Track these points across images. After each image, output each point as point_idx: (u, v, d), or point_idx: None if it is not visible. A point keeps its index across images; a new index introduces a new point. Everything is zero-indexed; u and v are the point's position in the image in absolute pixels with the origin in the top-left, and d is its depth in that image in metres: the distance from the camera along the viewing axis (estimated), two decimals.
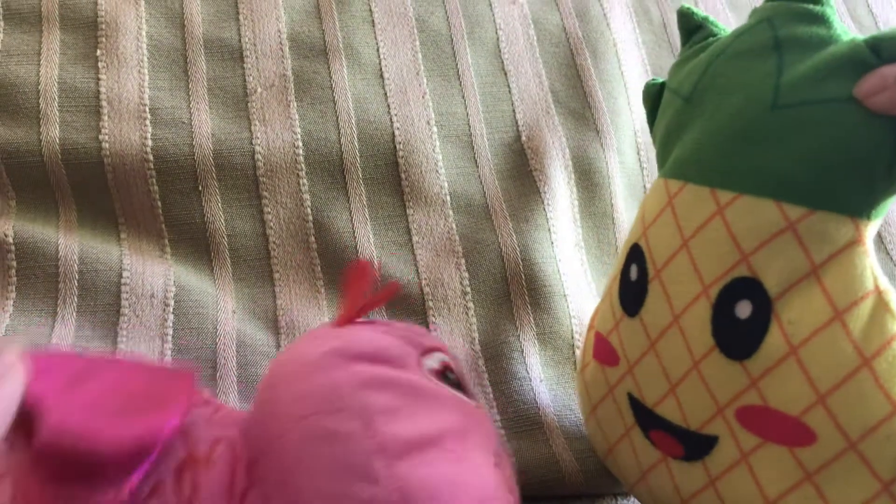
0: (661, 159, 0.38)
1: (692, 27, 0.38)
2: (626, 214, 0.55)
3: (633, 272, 0.36)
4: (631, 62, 0.60)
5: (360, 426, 0.29)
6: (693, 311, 0.33)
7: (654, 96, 0.39)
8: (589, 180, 0.55)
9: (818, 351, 0.29)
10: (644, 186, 0.57)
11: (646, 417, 0.36)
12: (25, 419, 0.26)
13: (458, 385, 0.34)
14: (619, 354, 0.37)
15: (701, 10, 0.38)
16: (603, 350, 0.38)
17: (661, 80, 0.39)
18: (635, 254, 0.36)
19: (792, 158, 0.30)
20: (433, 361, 0.34)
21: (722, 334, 0.32)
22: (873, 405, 0.29)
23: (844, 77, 0.29)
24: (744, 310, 0.31)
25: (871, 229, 0.30)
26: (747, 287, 0.31)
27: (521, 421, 0.47)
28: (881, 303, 0.29)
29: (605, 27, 0.60)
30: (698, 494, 0.35)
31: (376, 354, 0.32)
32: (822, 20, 0.31)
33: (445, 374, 0.34)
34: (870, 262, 0.29)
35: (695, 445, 0.34)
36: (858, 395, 0.29)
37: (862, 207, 0.29)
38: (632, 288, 0.36)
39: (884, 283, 0.30)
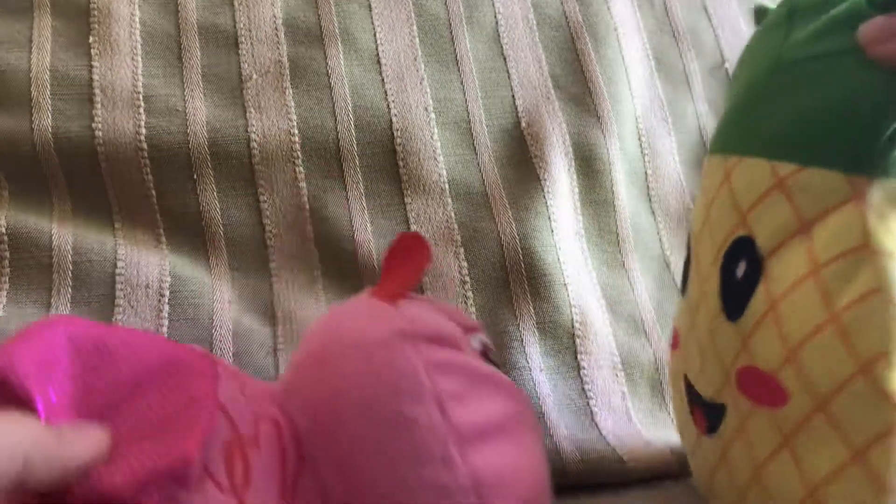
0: None
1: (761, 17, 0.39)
2: (627, 201, 0.55)
3: (684, 255, 0.37)
4: (632, 47, 0.59)
5: (436, 411, 0.29)
6: (710, 277, 0.33)
7: (761, 13, 0.40)
8: (590, 167, 0.54)
9: (791, 305, 0.29)
10: (645, 173, 0.56)
11: (691, 396, 0.36)
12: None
13: (497, 366, 0.34)
14: (679, 336, 0.37)
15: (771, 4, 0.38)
16: (674, 336, 0.39)
17: None
18: (688, 239, 0.37)
19: (786, 116, 0.30)
20: (476, 342, 0.34)
21: (725, 296, 0.32)
22: (839, 362, 0.28)
23: (842, 32, 0.29)
24: (741, 269, 0.31)
25: (877, 189, 0.28)
26: (744, 247, 0.31)
27: None
28: (868, 261, 0.28)
29: (606, 11, 0.59)
30: (716, 470, 0.35)
31: (439, 336, 0.31)
32: None
33: (487, 354, 0.34)
34: (865, 221, 0.28)
35: (712, 416, 0.34)
36: (824, 350, 0.28)
37: (861, 164, 0.28)
38: (684, 268, 0.37)
39: (885, 244, 0.28)
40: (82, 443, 0.25)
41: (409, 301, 0.33)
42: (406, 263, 0.34)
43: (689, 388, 0.36)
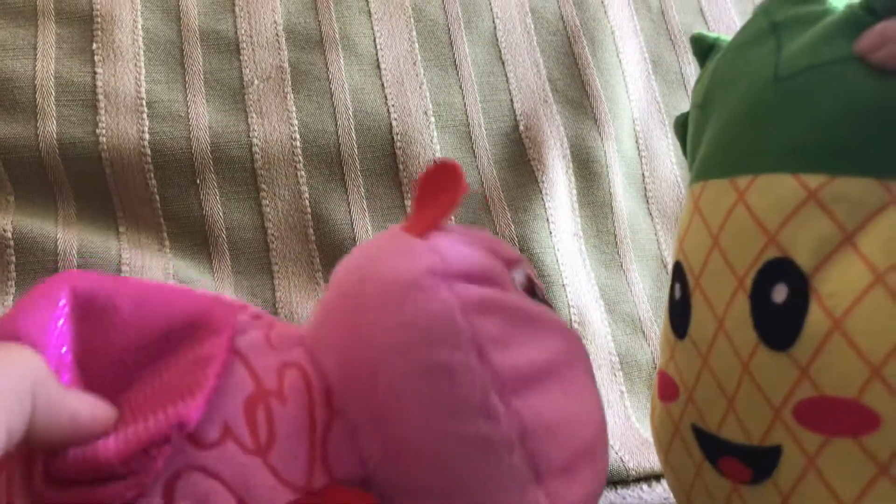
0: (690, 172, 0.37)
1: (706, 48, 0.37)
2: (624, 203, 0.55)
3: (677, 291, 0.34)
4: (629, 50, 0.59)
5: (474, 357, 0.26)
6: (734, 308, 0.30)
7: (682, 126, 0.38)
8: (587, 169, 0.54)
9: (863, 319, 0.27)
10: (642, 175, 0.57)
11: (711, 446, 0.32)
12: None
13: (545, 301, 0.31)
14: (677, 385, 0.34)
15: (712, 34, 0.38)
16: (664, 385, 0.35)
17: (686, 111, 0.39)
18: (677, 272, 0.34)
19: (801, 127, 0.29)
20: (520, 276, 0.31)
21: (763, 325, 0.29)
22: None
23: (843, 39, 0.28)
24: (780, 293, 0.29)
25: None
26: (780, 268, 0.29)
27: None
28: None
29: (603, 15, 0.59)
30: None
31: (477, 272, 0.28)
32: None
33: (533, 290, 0.31)
34: None
35: (760, 462, 0.30)
36: None
37: (893, 168, 0.27)
38: (678, 308, 0.34)
39: None
40: (85, 404, 0.23)
41: (443, 233, 0.30)
42: (439, 193, 0.30)
43: (708, 438, 0.32)
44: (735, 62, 0.33)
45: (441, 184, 0.30)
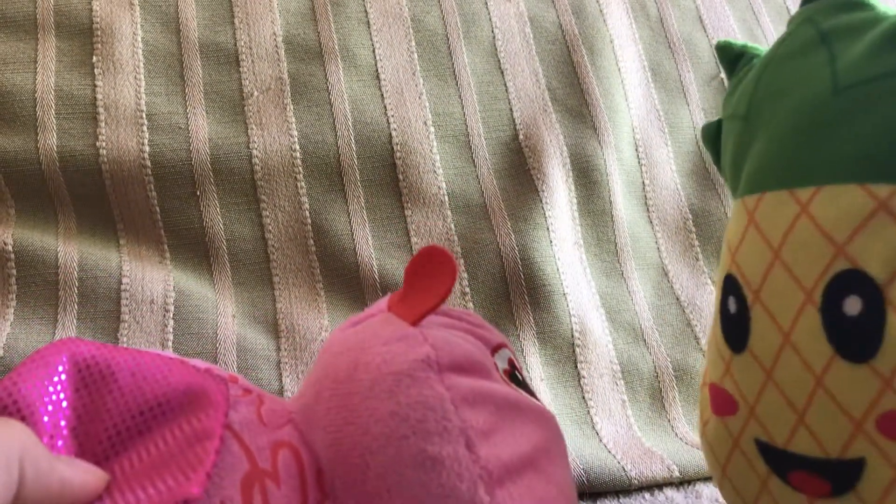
0: (734, 186, 0.36)
1: (733, 57, 0.37)
2: (625, 211, 0.55)
3: (732, 304, 0.33)
4: (628, 58, 0.59)
5: (463, 450, 0.27)
6: (802, 322, 0.30)
7: (713, 135, 0.38)
8: (587, 178, 0.54)
9: None
10: (642, 182, 0.57)
11: (779, 460, 0.32)
12: None
13: (524, 384, 0.32)
14: (736, 399, 0.34)
15: (738, 40, 0.37)
16: (720, 400, 0.35)
17: (714, 120, 0.38)
18: (729, 285, 0.34)
19: (866, 137, 0.28)
20: (502, 361, 0.32)
21: (838, 337, 0.28)
22: None
23: None
24: (853, 305, 0.28)
25: None
26: (852, 280, 0.28)
27: None
28: None
29: (602, 23, 0.59)
30: None
31: (466, 363, 0.29)
32: (861, 5, 0.31)
33: (514, 373, 0.32)
34: None
35: (841, 476, 0.30)
36: None
37: None
38: (733, 321, 0.33)
39: None
40: (77, 470, 0.23)
41: (433, 320, 0.31)
42: (430, 280, 0.31)
43: (775, 452, 0.32)
44: (784, 73, 0.32)
45: (432, 269, 0.31)
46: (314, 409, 0.30)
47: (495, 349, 0.32)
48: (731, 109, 0.36)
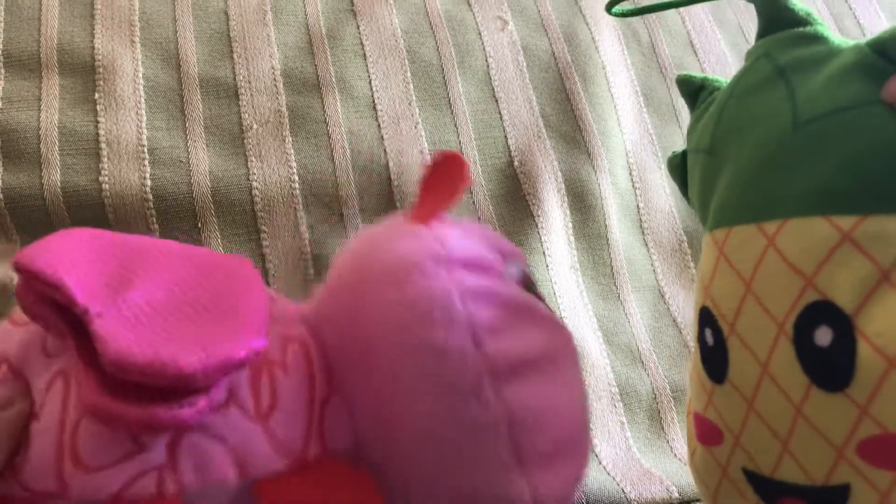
0: (703, 218, 0.36)
1: (694, 90, 0.38)
2: (620, 235, 0.56)
3: (709, 337, 0.34)
4: (620, 84, 0.60)
5: (469, 342, 0.27)
6: (777, 354, 0.30)
7: (679, 167, 0.39)
8: (582, 202, 0.55)
9: None
10: (637, 206, 0.58)
11: (767, 488, 0.32)
12: (73, 323, 0.24)
13: (539, 297, 0.32)
14: (721, 429, 0.34)
15: (698, 74, 0.38)
16: (705, 430, 0.35)
17: (679, 151, 0.39)
18: (705, 318, 0.34)
19: (828, 170, 0.29)
20: (516, 269, 0.31)
21: (812, 368, 0.29)
22: None
23: (860, 81, 0.29)
24: (824, 336, 0.28)
25: None
26: (821, 311, 0.29)
27: None
28: None
29: (594, 51, 0.60)
30: None
31: (476, 263, 0.29)
32: (817, 39, 0.32)
33: (527, 285, 0.32)
34: None
35: (827, 501, 0.30)
36: None
37: None
38: (712, 353, 0.33)
39: None
40: None
41: (445, 224, 0.31)
42: (442, 184, 0.31)
43: (762, 481, 0.32)
44: (744, 108, 0.33)
45: (445, 175, 0.31)
46: (325, 307, 0.30)
47: (509, 258, 0.31)
48: (694, 143, 0.36)
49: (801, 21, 0.33)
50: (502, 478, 0.28)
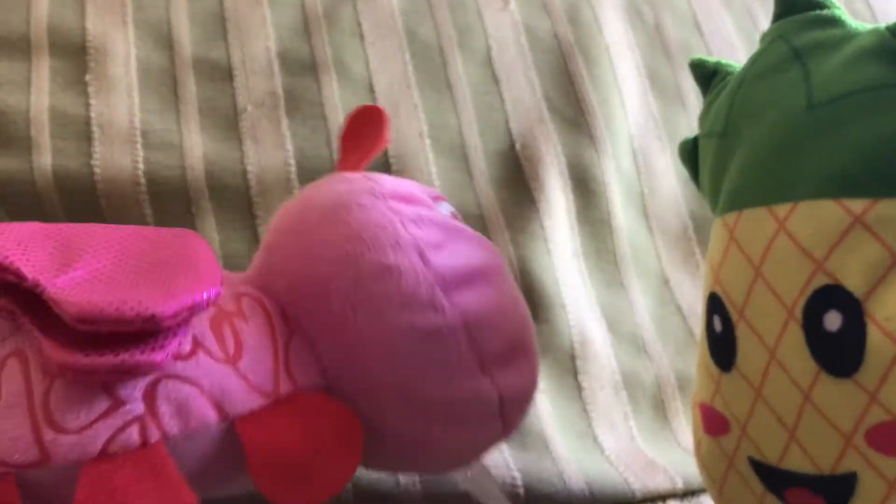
0: (713, 203, 0.36)
1: (707, 74, 0.37)
2: (624, 220, 0.55)
3: (717, 323, 0.33)
4: (624, 66, 0.59)
5: (417, 259, 0.30)
6: (786, 339, 0.30)
7: (690, 152, 0.38)
8: (585, 187, 0.54)
9: None
10: (641, 191, 0.57)
11: (774, 478, 0.32)
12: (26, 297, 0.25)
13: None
14: (727, 418, 0.34)
15: (711, 58, 0.38)
16: (711, 420, 0.35)
17: (691, 137, 0.38)
18: (714, 304, 0.34)
19: (841, 152, 0.29)
20: (444, 209, 0.34)
21: (821, 353, 0.29)
22: None
23: (878, 64, 0.29)
24: (833, 321, 0.28)
25: None
26: (831, 295, 0.28)
27: (522, 434, 0.46)
28: None
29: (597, 31, 0.59)
30: None
31: (407, 195, 0.32)
32: (833, 21, 0.31)
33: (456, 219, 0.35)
34: None
35: (834, 491, 0.30)
36: None
37: None
38: (720, 340, 0.33)
39: None
40: None
41: (372, 173, 0.34)
42: (366, 137, 0.35)
43: (769, 470, 0.32)
44: (759, 91, 0.32)
45: (368, 127, 0.34)
46: (268, 262, 0.32)
47: (436, 199, 0.34)
48: (707, 127, 0.36)
49: (818, 4, 0.32)
50: (469, 380, 0.30)
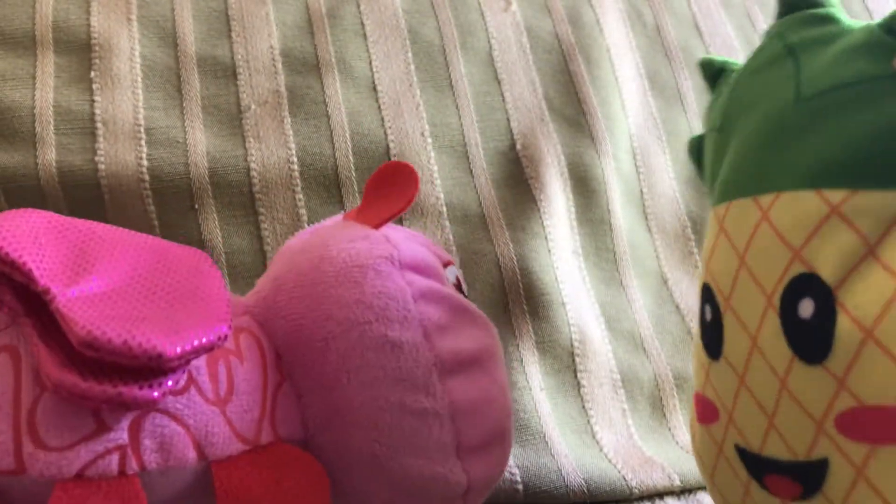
0: (712, 196, 0.37)
1: (714, 73, 0.38)
2: (623, 220, 0.55)
3: (708, 313, 0.34)
4: (625, 67, 0.59)
5: (421, 338, 0.30)
6: (765, 326, 0.31)
7: (697, 149, 0.39)
8: (585, 187, 0.55)
9: (893, 326, 0.27)
10: (641, 191, 0.57)
11: (756, 465, 0.33)
12: (29, 296, 0.25)
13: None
14: (717, 406, 0.34)
15: (719, 57, 0.38)
16: (703, 408, 0.36)
17: (699, 134, 0.39)
18: (705, 294, 0.35)
19: (823, 144, 0.29)
20: (451, 275, 0.34)
21: (795, 340, 0.29)
22: None
23: (866, 58, 0.29)
24: (806, 308, 0.29)
25: None
26: (806, 283, 0.29)
27: (522, 431, 0.46)
28: None
29: (598, 33, 0.59)
30: None
31: (423, 266, 0.32)
32: (829, 20, 0.32)
33: (460, 288, 0.35)
34: None
35: (809, 477, 0.30)
36: None
37: None
38: (709, 329, 0.34)
39: None
40: None
41: (389, 228, 0.34)
42: (392, 191, 0.34)
43: (752, 457, 0.33)
44: (752, 85, 0.33)
45: (394, 182, 0.34)
46: (274, 300, 0.32)
47: (445, 265, 0.34)
48: (709, 124, 0.36)
49: (815, 2, 0.33)
50: (443, 463, 0.30)
